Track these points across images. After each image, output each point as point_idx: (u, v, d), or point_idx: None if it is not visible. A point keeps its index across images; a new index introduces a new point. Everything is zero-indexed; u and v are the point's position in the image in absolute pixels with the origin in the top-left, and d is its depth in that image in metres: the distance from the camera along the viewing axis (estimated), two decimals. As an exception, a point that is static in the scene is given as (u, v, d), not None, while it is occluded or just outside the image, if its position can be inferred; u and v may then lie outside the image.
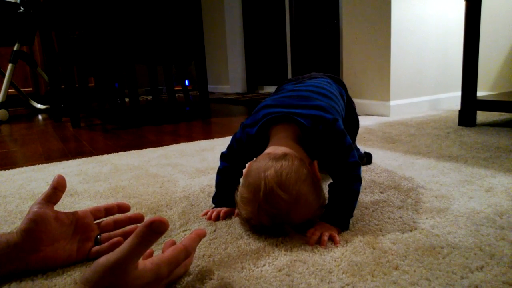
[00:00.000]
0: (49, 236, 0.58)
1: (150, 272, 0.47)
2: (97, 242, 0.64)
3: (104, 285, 0.44)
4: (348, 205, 0.69)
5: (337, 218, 0.68)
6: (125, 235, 0.64)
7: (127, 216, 0.68)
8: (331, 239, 0.64)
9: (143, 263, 0.48)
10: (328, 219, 0.68)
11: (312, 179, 0.65)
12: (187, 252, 0.53)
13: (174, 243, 0.59)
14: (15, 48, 2.81)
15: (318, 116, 0.73)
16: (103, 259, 0.45)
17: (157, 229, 0.45)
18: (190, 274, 0.56)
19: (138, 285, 0.46)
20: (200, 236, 0.56)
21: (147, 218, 0.79)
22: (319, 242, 0.63)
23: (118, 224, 0.67)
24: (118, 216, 0.68)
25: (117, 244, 0.61)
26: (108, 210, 0.68)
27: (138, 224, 0.65)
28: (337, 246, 0.62)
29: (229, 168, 0.81)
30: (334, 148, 0.71)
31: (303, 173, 0.64)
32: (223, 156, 0.82)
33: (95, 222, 0.66)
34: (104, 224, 0.67)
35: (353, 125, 1.08)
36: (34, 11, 2.75)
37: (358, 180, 0.71)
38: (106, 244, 0.63)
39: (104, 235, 0.65)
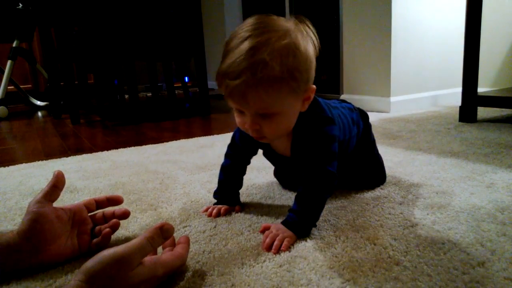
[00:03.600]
0: (51, 235, 0.57)
1: (147, 270, 0.49)
2: (93, 235, 0.65)
3: (105, 276, 0.45)
4: (314, 214, 0.66)
5: (300, 225, 0.64)
6: (113, 227, 0.65)
7: (111, 211, 0.68)
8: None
9: (143, 261, 0.49)
10: (290, 224, 0.64)
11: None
12: (183, 260, 0.55)
13: (173, 240, 0.59)
14: (14, 45, 2.79)
15: (318, 103, 0.70)
16: (111, 251, 0.46)
17: (165, 233, 0.52)
18: (190, 270, 0.56)
19: (135, 281, 0.47)
20: (189, 242, 0.59)
21: (149, 216, 0.79)
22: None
23: (106, 218, 0.68)
24: (105, 210, 0.69)
25: (108, 236, 0.63)
26: (99, 203, 0.69)
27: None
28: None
29: (232, 165, 0.80)
30: (317, 149, 0.67)
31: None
32: (227, 153, 0.81)
33: (88, 214, 0.67)
34: (97, 217, 0.68)
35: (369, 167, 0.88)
36: (33, 8, 2.74)
37: (330, 192, 0.68)
38: (100, 237, 0.64)
39: (97, 228, 0.66)
